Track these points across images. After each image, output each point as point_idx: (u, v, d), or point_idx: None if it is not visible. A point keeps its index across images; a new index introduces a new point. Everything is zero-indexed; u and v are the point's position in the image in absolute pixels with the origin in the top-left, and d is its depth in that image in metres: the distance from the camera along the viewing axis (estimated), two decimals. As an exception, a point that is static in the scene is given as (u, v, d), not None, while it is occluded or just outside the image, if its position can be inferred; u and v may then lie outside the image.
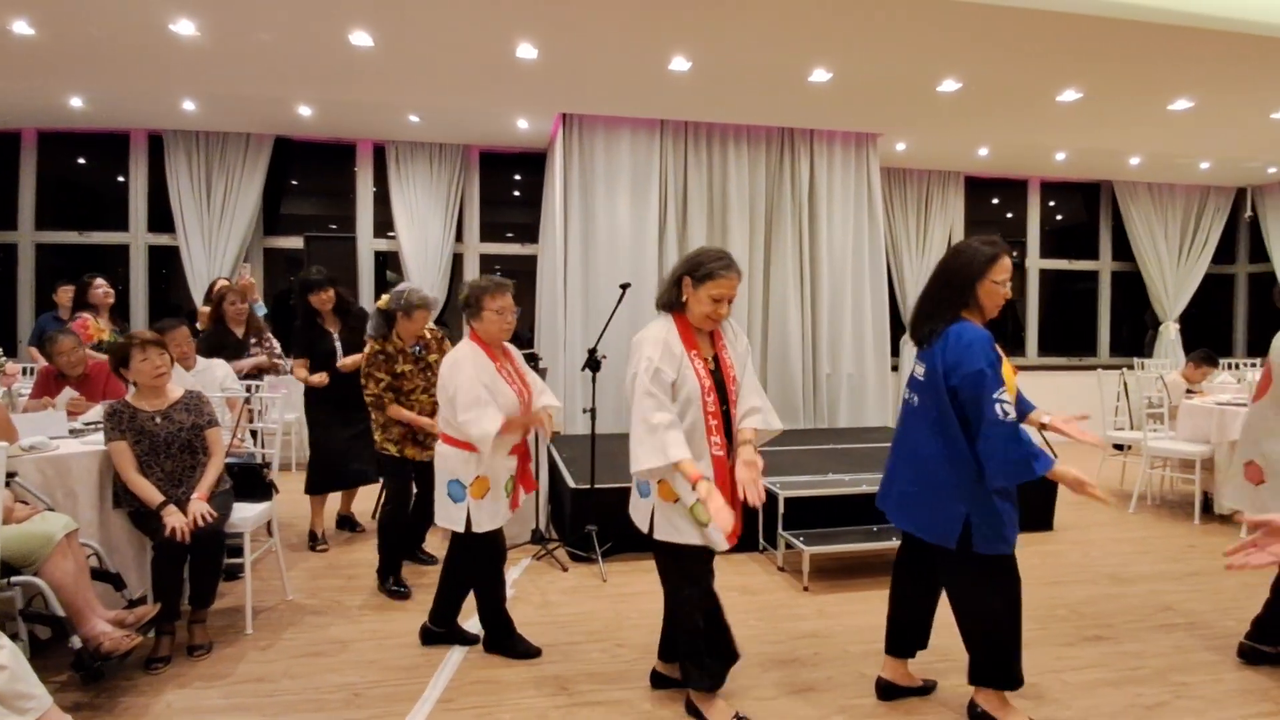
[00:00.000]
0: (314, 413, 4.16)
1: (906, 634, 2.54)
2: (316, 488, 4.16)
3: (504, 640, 2.90)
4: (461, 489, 2.74)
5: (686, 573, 2.36)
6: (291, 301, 4.06)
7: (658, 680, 2.63)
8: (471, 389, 2.65)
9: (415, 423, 3.49)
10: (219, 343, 4.46)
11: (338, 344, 4.13)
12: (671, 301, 2.37)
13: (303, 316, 4.13)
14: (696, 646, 2.38)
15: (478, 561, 2.87)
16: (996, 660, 2.31)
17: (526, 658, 2.85)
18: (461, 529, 2.74)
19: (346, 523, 4.47)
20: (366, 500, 4.60)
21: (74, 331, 4.07)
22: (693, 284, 2.32)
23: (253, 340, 4.64)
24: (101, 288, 4.68)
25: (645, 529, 2.35)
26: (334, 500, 4.39)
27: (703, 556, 2.36)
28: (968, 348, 2.16)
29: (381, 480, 3.90)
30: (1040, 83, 5.33)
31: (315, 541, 4.18)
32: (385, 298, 3.48)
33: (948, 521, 2.23)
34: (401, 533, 3.61)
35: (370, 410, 3.56)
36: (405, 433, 3.53)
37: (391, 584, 3.51)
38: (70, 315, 4.82)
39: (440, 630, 2.96)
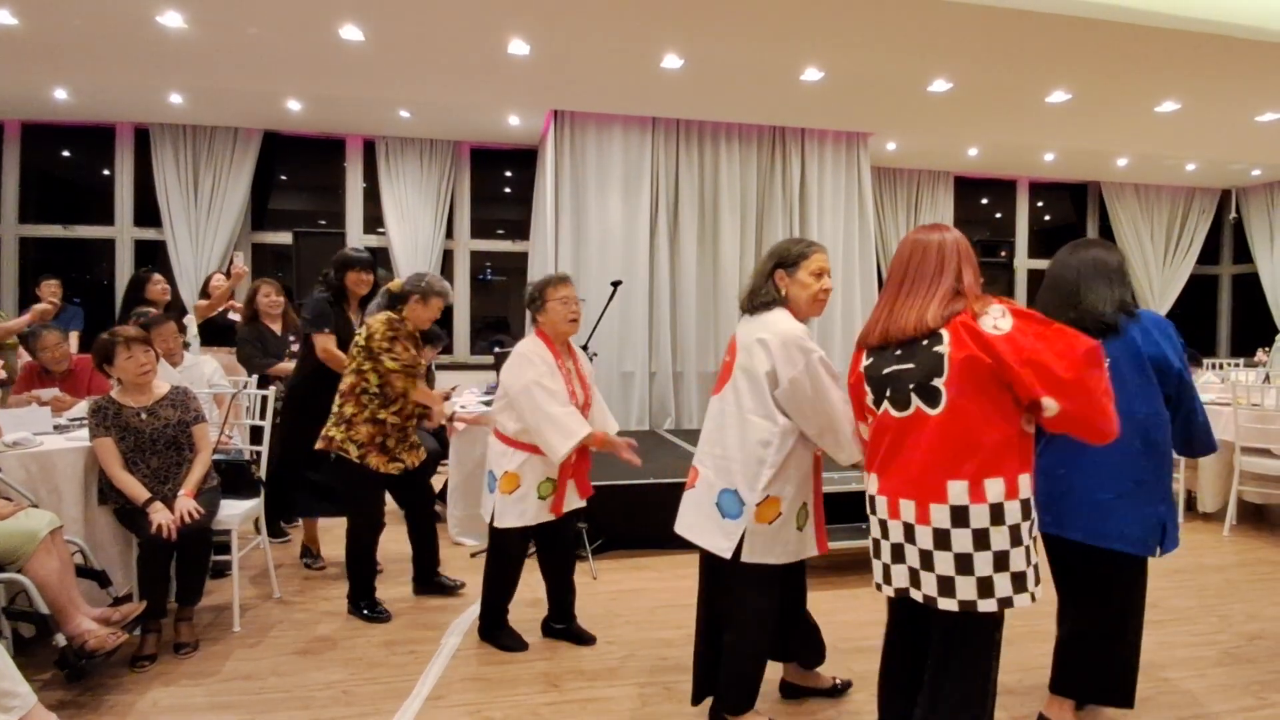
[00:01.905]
0: (312, 419, 3.36)
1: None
2: (309, 509, 3.74)
3: (565, 628, 2.98)
4: (494, 481, 2.79)
5: (767, 593, 2.23)
6: (323, 274, 3.58)
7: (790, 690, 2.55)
8: (548, 391, 2.65)
9: (434, 403, 3.21)
10: (258, 342, 4.15)
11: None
12: (773, 297, 2.20)
13: (333, 293, 3.57)
14: (760, 670, 2.28)
15: (506, 556, 2.85)
16: (1123, 672, 2.24)
17: (585, 643, 2.93)
18: (488, 519, 2.79)
19: (307, 553, 3.84)
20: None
21: (59, 327, 4.03)
22: (786, 273, 2.20)
23: (292, 338, 4.24)
24: (159, 284, 4.58)
25: (729, 554, 2.15)
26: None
27: (789, 569, 2.26)
28: (1171, 330, 2.16)
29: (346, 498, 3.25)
30: (1030, 84, 5.37)
31: (312, 558, 3.79)
32: (399, 281, 3.22)
33: (1150, 526, 2.12)
34: (371, 558, 3.19)
35: (363, 396, 3.06)
36: (374, 435, 3.09)
37: (364, 608, 3.15)
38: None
39: (492, 629, 2.91)
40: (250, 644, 2.92)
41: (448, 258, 7.14)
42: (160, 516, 2.70)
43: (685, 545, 4.30)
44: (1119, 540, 2.11)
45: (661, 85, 5.47)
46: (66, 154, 6.85)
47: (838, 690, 2.56)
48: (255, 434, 3.59)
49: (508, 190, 7.57)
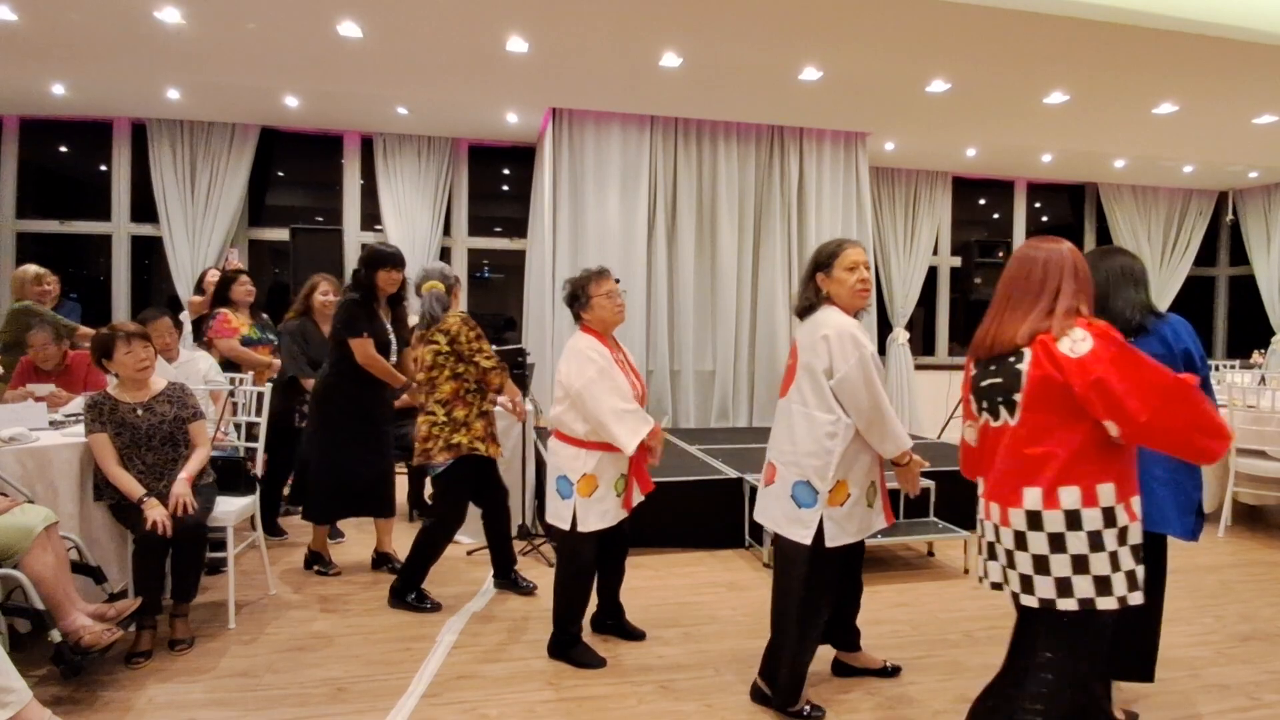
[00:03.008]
0: (337, 422, 3.50)
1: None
2: (326, 514, 3.63)
3: (615, 623, 3.02)
4: (569, 485, 2.72)
5: (835, 568, 2.38)
6: (355, 271, 3.50)
7: (839, 668, 2.67)
8: (612, 385, 2.63)
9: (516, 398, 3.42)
10: (302, 339, 4.06)
11: (392, 337, 3.56)
12: (812, 301, 2.40)
13: (363, 292, 3.48)
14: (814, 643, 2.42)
15: (583, 561, 2.77)
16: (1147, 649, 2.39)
17: (634, 639, 2.96)
18: (567, 526, 2.71)
19: (385, 561, 3.78)
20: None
21: (49, 324, 3.95)
22: (825, 274, 2.38)
23: None
24: (245, 285, 4.53)
25: (808, 540, 2.31)
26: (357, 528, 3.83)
27: (849, 551, 2.42)
28: (1194, 334, 2.29)
29: (434, 493, 3.39)
30: (1028, 85, 5.37)
31: (324, 565, 3.69)
32: (433, 281, 3.21)
33: (1187, 510, 2.26)
34: (436, 556, 3.27)
35: (468, 395, 3.17)
36: (487, 426, 3.24)
37: (414, 599, 3.24)
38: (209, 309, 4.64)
39: (566, 646, 2.81)
40: (246, 641, 2.92)
41: (445, 255, 7.12)
42: (155, 513, 2.70)
43: (682, 544, 4.29)
44: (1163, 524, 2.24)
45: (660, 84, 5.47)
46: (63, 149, 6.82)
47: (888, 672, 2.67)
48: (251, 430, 3.57)
49: (505, 188, 7.56)
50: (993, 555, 1.86)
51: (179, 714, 2.39)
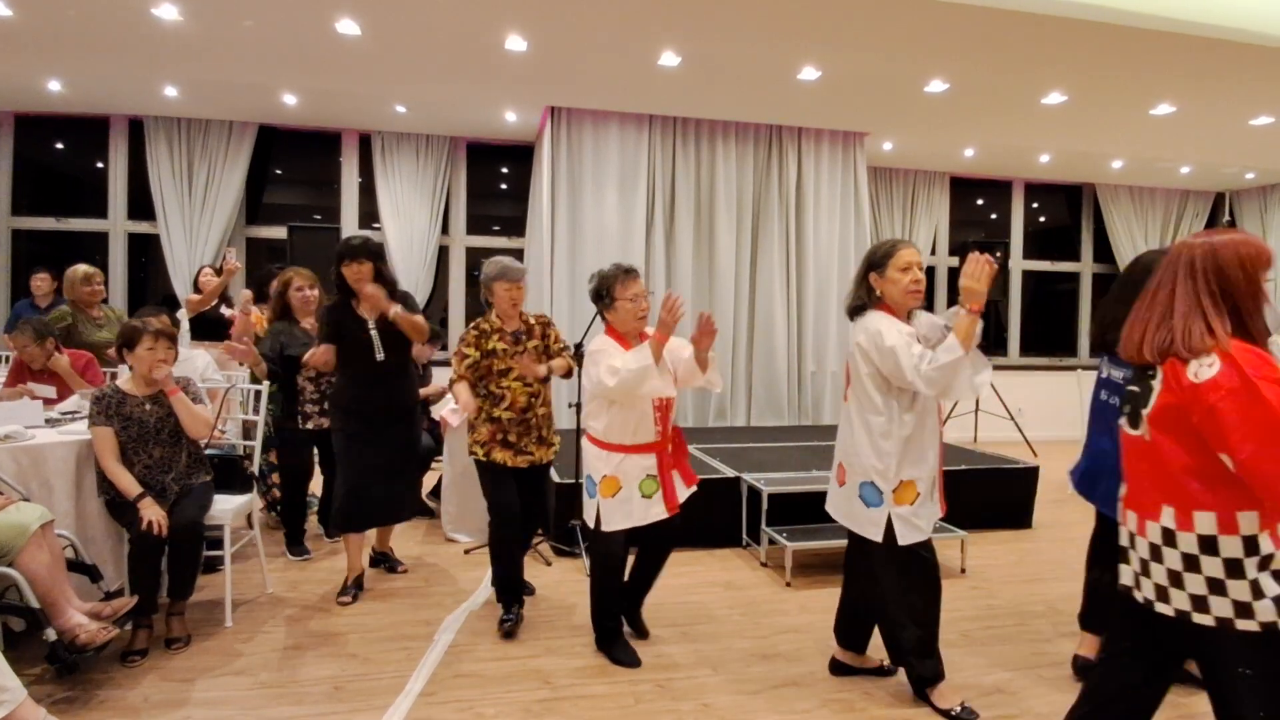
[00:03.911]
0: (337, 431, 3.34)
1: None
2: (345, 524, 3.36)
3: (628, 615, 3.02)
4: (594, 485, 2.76)
5: (924, 563, 2.44)
6: (331, 271, 3.34)
7: (837, 668, 2.70)
8: (611, 364, 2.60)
9: (460, 402, 3.03)
10: (286, 338, 3.85)
11: (374, 333, 3.25)
12: (864, 301, 2.47)
13: (337, 292, 3.31)
14: (932, 638, 2.47)
15: (611, 560, 2.77)
16: None
17: (638, 637, 2.95)
18: (593, 524, 2.75)
19: (384, 560, 3.72)
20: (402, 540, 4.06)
21: (31, 325, 3.88)
22: (878, 274, 2.43)
23: None
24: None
25: (880, 538, 2.39)
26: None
27: (930, 544, 2.47)
28: None
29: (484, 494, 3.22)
30: (1026, 85, 5.38)
31: (345, 592, 3.35)
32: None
33: None
34: (514, 550, 3.11)
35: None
36: (494, 433, 3.07)
37: (502, 612, 3.05)
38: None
39: (606, 641, 2.84)
40: (242, 639, 2.92)
41: (443, 254, 7.12)
42: (151, 513, 2.69)
43: (680, 543, 4.29)
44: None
45: (659, 83, 5.46)
46: (60, 146, 6.81)
47: (885, 671, 2.68)
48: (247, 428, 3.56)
49: (504, 186, 7.55)
50: (1124, 559, 1.81)
51: (175, 712, 2.39)
